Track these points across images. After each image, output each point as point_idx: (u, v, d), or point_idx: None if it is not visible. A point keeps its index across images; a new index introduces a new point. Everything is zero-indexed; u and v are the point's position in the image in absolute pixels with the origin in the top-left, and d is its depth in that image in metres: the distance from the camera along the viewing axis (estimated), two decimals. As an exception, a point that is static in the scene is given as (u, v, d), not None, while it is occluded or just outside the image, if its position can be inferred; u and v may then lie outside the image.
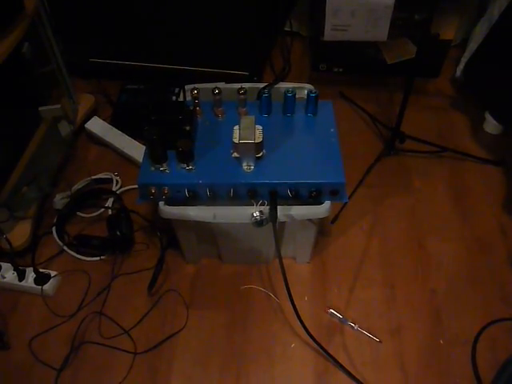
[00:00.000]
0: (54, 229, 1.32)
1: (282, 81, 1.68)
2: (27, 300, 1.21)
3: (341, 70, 1.78)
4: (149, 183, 1.04)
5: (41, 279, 1.20)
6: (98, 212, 1.39)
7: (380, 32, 1.35)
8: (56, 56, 1.45)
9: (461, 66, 1.70)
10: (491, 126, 1.61)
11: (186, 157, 1.03)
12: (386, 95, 1.77)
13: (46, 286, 1.20)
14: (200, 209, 1.05)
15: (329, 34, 1.39)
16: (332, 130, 1.13)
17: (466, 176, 1.49)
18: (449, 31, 1.65)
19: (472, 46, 1.63)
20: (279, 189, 1.03)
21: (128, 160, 1.53)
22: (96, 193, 1.42)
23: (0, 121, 1.29)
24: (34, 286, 1.20)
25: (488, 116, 1.60)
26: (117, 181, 1.46)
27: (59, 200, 1.37)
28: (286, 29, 1.96)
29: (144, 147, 1.09)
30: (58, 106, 1.43)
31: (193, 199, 1.05)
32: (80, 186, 1.43)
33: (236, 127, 1.04)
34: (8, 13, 1.19)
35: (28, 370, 1.09)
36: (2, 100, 1.28)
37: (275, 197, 1.02)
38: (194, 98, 1.14)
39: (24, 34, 1.22)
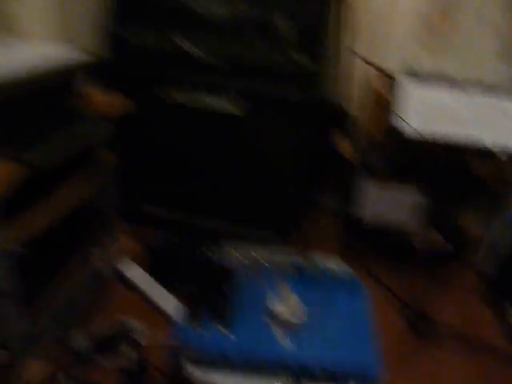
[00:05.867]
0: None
1: (314, 252, 1.75)
2: None
3: (372, 250, 1.86)
4: (182, 342, 1.04)
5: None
6: (116, 360, 1.34)
7: (413, 223, 1.46)
8: (110, 200, 1.59)
9: (480, 255, 1.78)
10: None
11: (222, 319, 1.05)
12: (412, 277, 1.80)
13: None
14: (228, 378, 1.03)
15: (367, 218, 1.52)
16: (363, 310, 1.16)
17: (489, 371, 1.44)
18: (473, 224, 1.77)
19: (490, 238, 1.73)
20: (310, 368, 1.02)
21: (158, 310, 1.51)
22: (117, 339, 1.40)
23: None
24: None
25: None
26: (142, 330, 1.44)
27: (77, 339, 1.34)
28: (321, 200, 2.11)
29: (177, 301, 1.11)
30: (101, 247, 1.50)
31: (221, 360, 1.04)
32: (102, 329, 1.41)
33: (274, 297, 1.08)
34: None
35: None
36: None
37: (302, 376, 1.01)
38: (232, 257, 1.20)
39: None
